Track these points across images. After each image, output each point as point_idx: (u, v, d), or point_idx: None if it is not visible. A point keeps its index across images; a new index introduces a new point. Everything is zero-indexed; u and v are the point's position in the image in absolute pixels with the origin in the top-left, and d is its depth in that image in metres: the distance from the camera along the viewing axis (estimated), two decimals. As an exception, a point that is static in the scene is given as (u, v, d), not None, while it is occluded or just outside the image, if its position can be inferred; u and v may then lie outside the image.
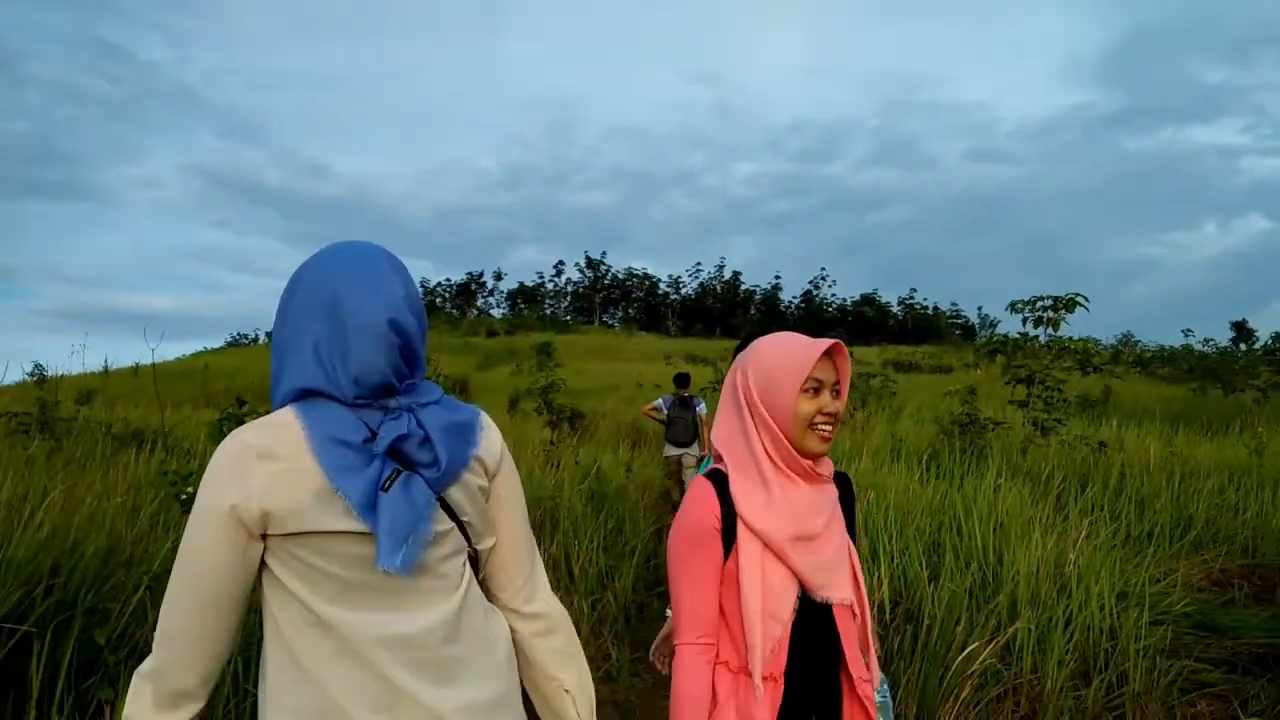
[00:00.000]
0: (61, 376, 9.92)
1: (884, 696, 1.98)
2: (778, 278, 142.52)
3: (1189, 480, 7.06)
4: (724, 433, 1.76)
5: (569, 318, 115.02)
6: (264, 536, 1.25)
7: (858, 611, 1.73)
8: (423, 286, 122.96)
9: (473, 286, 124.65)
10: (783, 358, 1.70)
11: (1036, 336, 8.75)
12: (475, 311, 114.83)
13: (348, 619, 1.26)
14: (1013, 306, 8.57)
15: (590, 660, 1.68)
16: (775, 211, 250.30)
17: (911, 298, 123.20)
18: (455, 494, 1.36)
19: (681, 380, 9.48)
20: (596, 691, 1.60)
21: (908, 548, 4.43)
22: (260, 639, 1.35)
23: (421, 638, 1.30)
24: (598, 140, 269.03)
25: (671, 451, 9.14)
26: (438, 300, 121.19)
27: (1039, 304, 8.35)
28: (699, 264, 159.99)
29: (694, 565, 1.67)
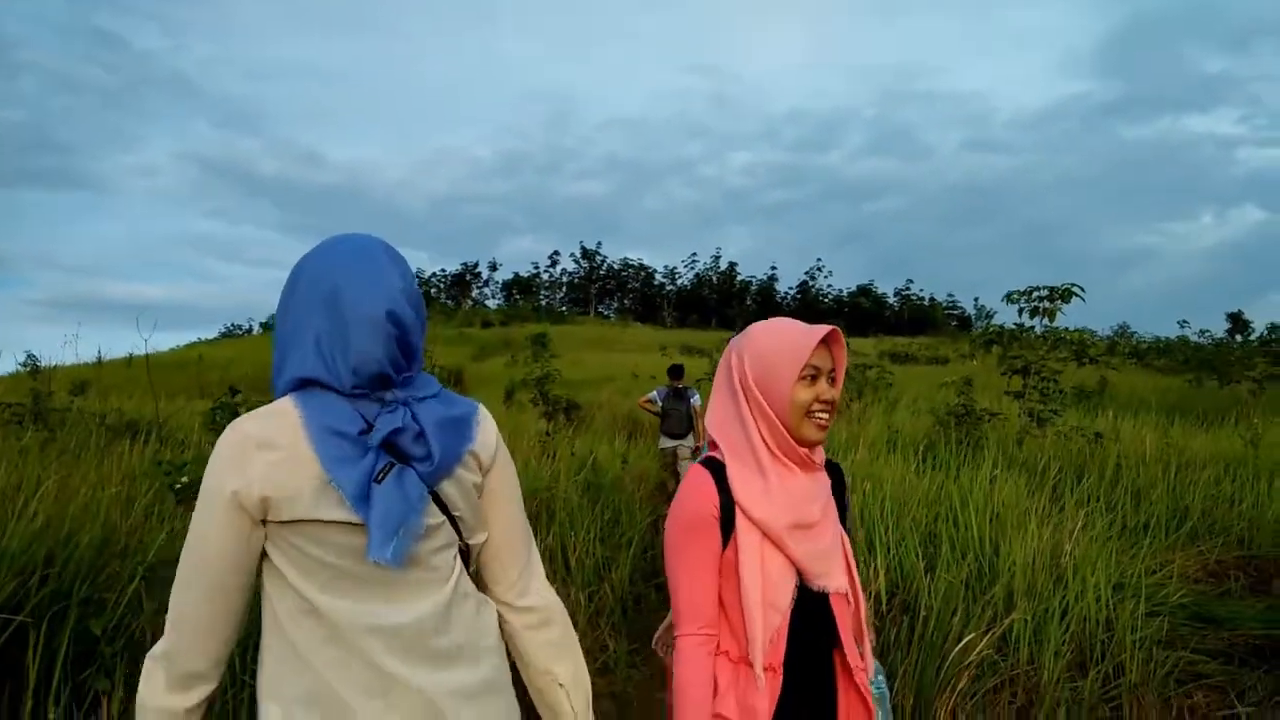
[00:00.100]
0: (55, 367, 9.89)
1: (880, 688, 1.98)
2: (774, 268, 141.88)
3: (1185, 471, 7.07)
4: (719, 418, 1.74)
5: (564, 308, 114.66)
6: (264, 523, 1.27)
7: (852, 600, 1.73)
8: (418, 276, 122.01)
9: (468, 277, 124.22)
10: (780, 344, 1.68)
11: (1032, 327, 8.74)
12: (470, 302, 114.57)
13: (339, 607, 1.28)
14: (1008, 297, 8.56)
15: (587, 652, 1.68)
16: (771, 201, 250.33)
17: (908, 289, 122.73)
18: (448, 488, 1.38)
19: (675, 372, 9.47)
20: (594, 684, 1.61)
21: (904, 539, 4.43)
22: (257, 630, 1.38)
23: (412, 628, 1.32)
24: (593, 130, 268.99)
25: (666, 444, 9.13)
26: (433, 291, 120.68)
27: (1035, 294, 8.34)
28: (695, 254, 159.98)
29: (692, 555, 1.65)
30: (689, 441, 9.00)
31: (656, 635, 1.92)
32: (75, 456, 5.54)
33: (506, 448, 1.52)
